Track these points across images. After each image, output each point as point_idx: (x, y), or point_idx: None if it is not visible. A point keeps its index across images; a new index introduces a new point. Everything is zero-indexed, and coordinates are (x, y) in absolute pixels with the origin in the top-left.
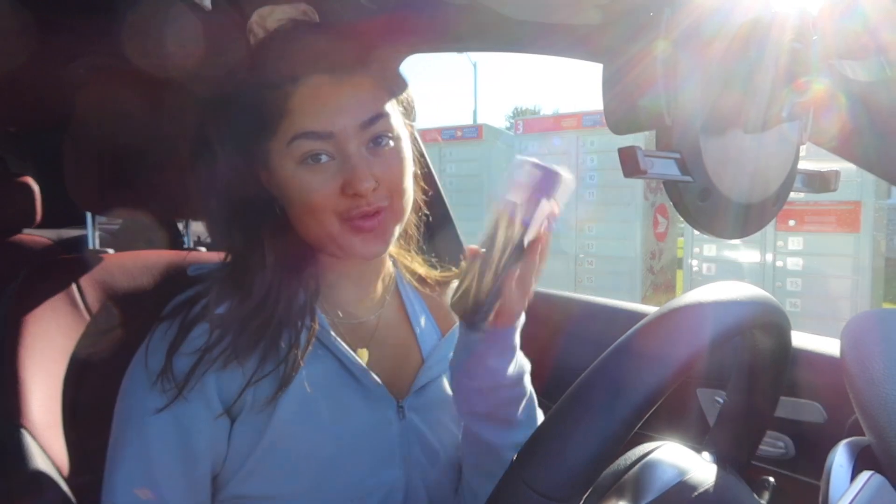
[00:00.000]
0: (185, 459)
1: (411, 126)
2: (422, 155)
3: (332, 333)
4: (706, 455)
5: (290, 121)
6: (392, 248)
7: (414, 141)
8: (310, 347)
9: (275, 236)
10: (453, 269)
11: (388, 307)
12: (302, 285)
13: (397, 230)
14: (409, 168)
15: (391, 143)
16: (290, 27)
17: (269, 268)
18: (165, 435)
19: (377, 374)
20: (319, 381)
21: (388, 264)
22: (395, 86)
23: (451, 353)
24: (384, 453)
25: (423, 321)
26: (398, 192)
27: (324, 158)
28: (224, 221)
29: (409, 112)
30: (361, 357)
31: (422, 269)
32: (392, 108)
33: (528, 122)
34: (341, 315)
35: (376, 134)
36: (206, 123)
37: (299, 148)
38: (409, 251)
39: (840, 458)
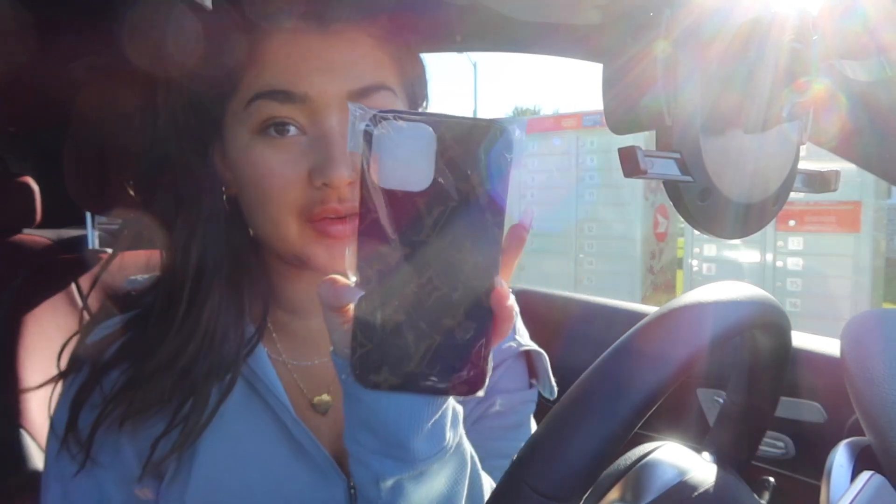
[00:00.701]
0: None
1: None
2: None
3: (278, 384)
4: (706, 455)
5: (254, 73)
6: None
7: None
8: (228, 398)
9: (214, 241)
10: None
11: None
12: (245, 315)
13: None
14: None
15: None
16: None
17: (205, 291)
18: (89, 501)
19: (334, 434)
20: (253, 451)
21: None
22: (406, 61)
23: None
24: None
25: None
26: None
27: (291, 130)
28: (159, 218)
29: (417, 101)
30: (321, 407)
31: None
32: (398, 84)
33: (528, 123)
34: (299, 353)
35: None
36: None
37: (260, 111)
38: None
39: (840, 459)
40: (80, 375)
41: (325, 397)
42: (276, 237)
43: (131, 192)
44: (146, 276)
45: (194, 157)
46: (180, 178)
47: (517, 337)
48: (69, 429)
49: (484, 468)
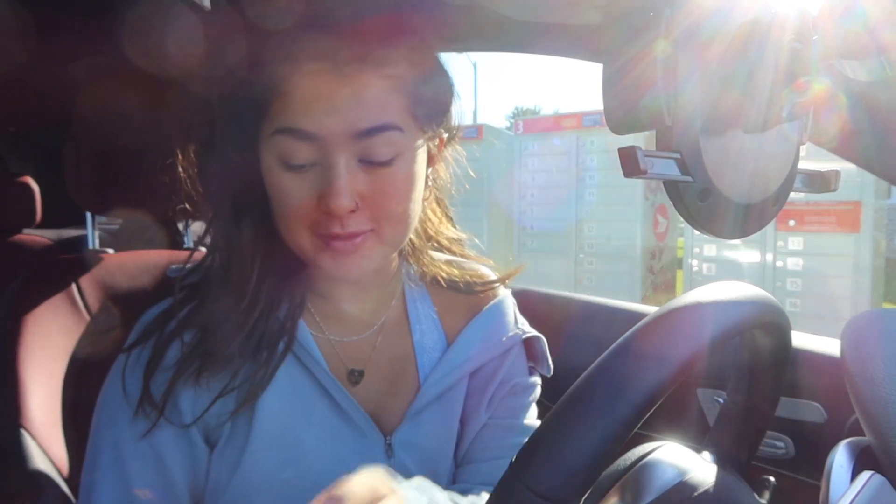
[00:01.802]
0: (163, 486)
1: (443, 136)
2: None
3: (319, 355)
4: (706, 455)
5: (278, 107)
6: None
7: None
8: (282, 364)
9: (261, 235)
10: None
11: (392, 314)
12: (287, 294)
13: (384, 254)
14: (412, 191)
15: (394, 161)
16: (297, 19)
17: (254, 270)
18: (143, 462)
19: (369, 400)
20: (302, 412)
21: (395, 265)
22: (424, 90)
23: (460, 365)
24: None
25: (427, 331)
26: (388, 218)
27: (304, 163)
28: (214, 213)
29: (437, 118)
30: (354, 377)
31: (442, 270)
32: (406, 119)
33: (528, 122)
34: (335, 331)
35: (373, 148)
36: (209, 111)
37: (279, 144)
38: (425, 248)
39: (840, 458)
40: (148, 344)
41: (359, 367)
42: (291, 243)
43: (186, 194)
44: (184, 266)
45: (245, 174)
46: (237, 200)
47: (520, 325)
48: (145, 390)
49: (503, 446)
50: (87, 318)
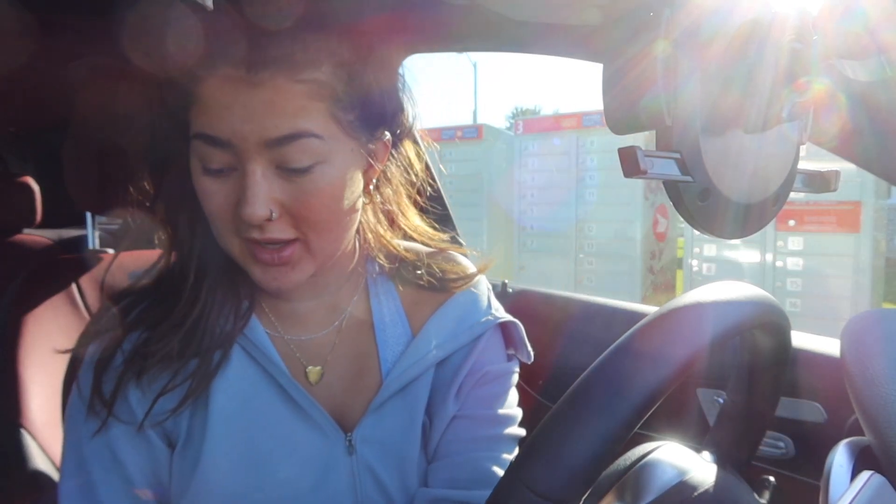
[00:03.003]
0: (124, 482)
1: (385, 139)
2: (427, 166)
3: (275, 354)
4: (706, 455)
5: (196, 111)
6: (368, 234)
7: (410, 153)
8: (227, 363)
9: (197, 234)
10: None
11: (355, 310)
12: (231, 294)
13: (315, 265)
14: (340, 199)
15: (314, 169)
16: (215, 24)
17: (191, 270)
18: (102, 460)
19: (329, 399)
20: (258, 412)
21: (353, 263)
22: (354, 94)
23: (424, 356)
24: (334, 494)
25: (391, 325)
26: (313, 227)
27: (221, 168)
28: (154, 212)
29: (373, 122)
30: (312, 376)
31: (410, 264)
32: (329, 125)
33: (528, 122)
34: (291, 330)
35: (289, 155)
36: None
37: (198, 149)
38: (390, 244)
39: (840, 458)
40: (101, 341)
41: (317, 368)
42: (223, 247)
43: (134, 191)
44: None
45: (172, 152)
46: (182, 178)
47: (493, 311)
48: (95, 388)
49: (476, 438)
50: (88, 317)
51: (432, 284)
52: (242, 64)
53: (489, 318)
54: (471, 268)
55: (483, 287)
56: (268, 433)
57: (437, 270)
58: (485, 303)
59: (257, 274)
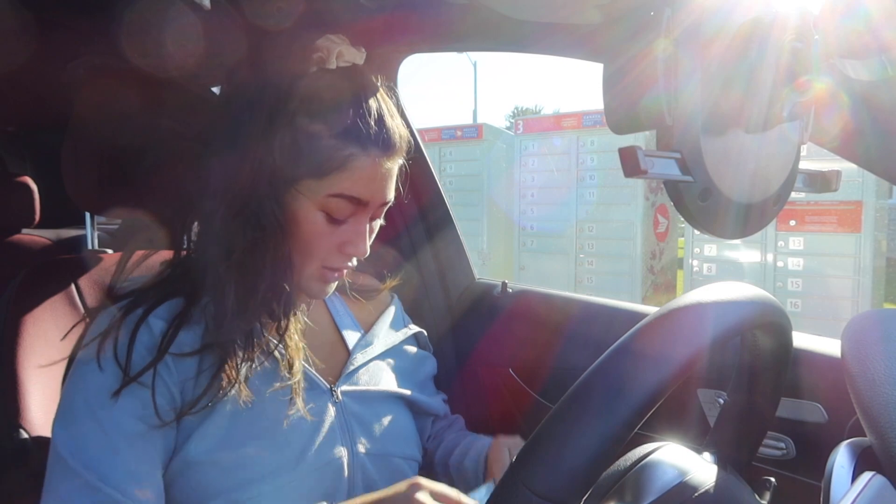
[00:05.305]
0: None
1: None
2: (421, 155)
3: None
4: (707, 456)
5: (342, 177)
6: None
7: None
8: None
9: (276, 246)
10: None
11: (315, 311)
12: (264, 296)
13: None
14: None
15: (380, 221)
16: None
17: (229, 271)
18: (134, 411)
19: (309, 363)
20: (262, 380)
21: None
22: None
23: (374, 344)
24: (327, 432)
25: (344, 317)
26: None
27: (345, 219)
28: (209, 213)
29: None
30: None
31: (346, 281)
32: None
33: (528, 122)
34: None
35: (379, 215)
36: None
37: (336, 203)
38: None
39: (841, 459)
40: (133, 316)
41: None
42: (296, 267)
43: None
44: (142, 276)
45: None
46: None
47: (407, 324)
48: (129, 354)
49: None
50: (88, 319)
51: (360, 296)
52: (387, 147)
53: (409, 328)
54: (377, 283)
55: (399, 303)
56: (271, 396)
57: (360, 286)
58: (402, 314)
59: (315, 287)
